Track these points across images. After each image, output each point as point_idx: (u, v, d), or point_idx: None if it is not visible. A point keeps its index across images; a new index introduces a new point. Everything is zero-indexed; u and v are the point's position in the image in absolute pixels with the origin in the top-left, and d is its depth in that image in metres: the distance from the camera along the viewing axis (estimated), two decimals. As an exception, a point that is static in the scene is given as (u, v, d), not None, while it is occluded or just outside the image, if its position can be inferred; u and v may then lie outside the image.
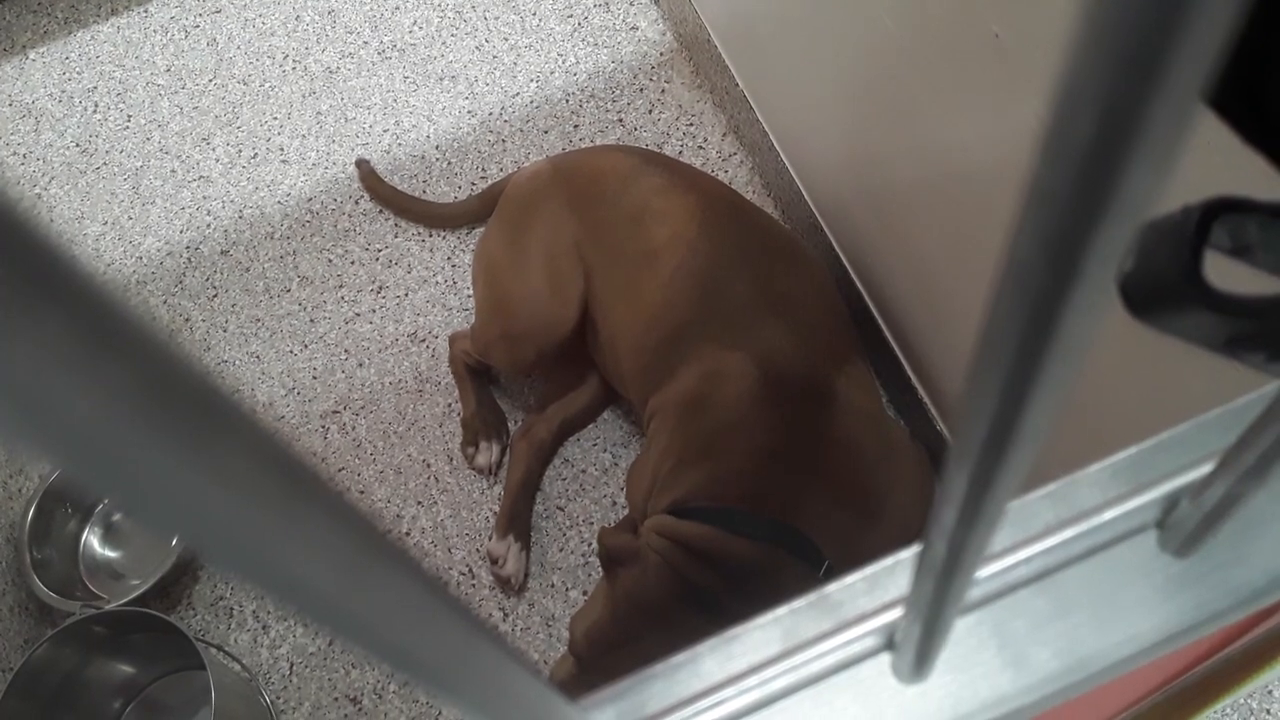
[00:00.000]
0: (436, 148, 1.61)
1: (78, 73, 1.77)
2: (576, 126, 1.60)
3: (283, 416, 1.43)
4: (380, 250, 1.54)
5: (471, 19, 1.73)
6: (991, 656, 0.31)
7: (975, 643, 0.31)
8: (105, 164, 1.67)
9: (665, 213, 1.14)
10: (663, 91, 1.61)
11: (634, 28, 1.68)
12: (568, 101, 1.62)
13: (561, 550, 1.31)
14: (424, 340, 1.46)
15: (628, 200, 1.17)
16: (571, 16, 1.70)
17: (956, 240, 1.02)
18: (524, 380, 1.41)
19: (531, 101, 1.63)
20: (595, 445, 1.37)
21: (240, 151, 1.65)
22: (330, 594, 0.14)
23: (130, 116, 1.71)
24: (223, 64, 1.75)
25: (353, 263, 1.53)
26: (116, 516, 1.39)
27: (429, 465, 1.38)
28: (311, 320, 1.50)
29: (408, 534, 1.34)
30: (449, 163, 1.60)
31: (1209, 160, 0.56)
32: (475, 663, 0.19)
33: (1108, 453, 0.34)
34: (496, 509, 1.34)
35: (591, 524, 1.32)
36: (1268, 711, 1.10)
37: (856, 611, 0.31)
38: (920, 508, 1.05)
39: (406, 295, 1.50)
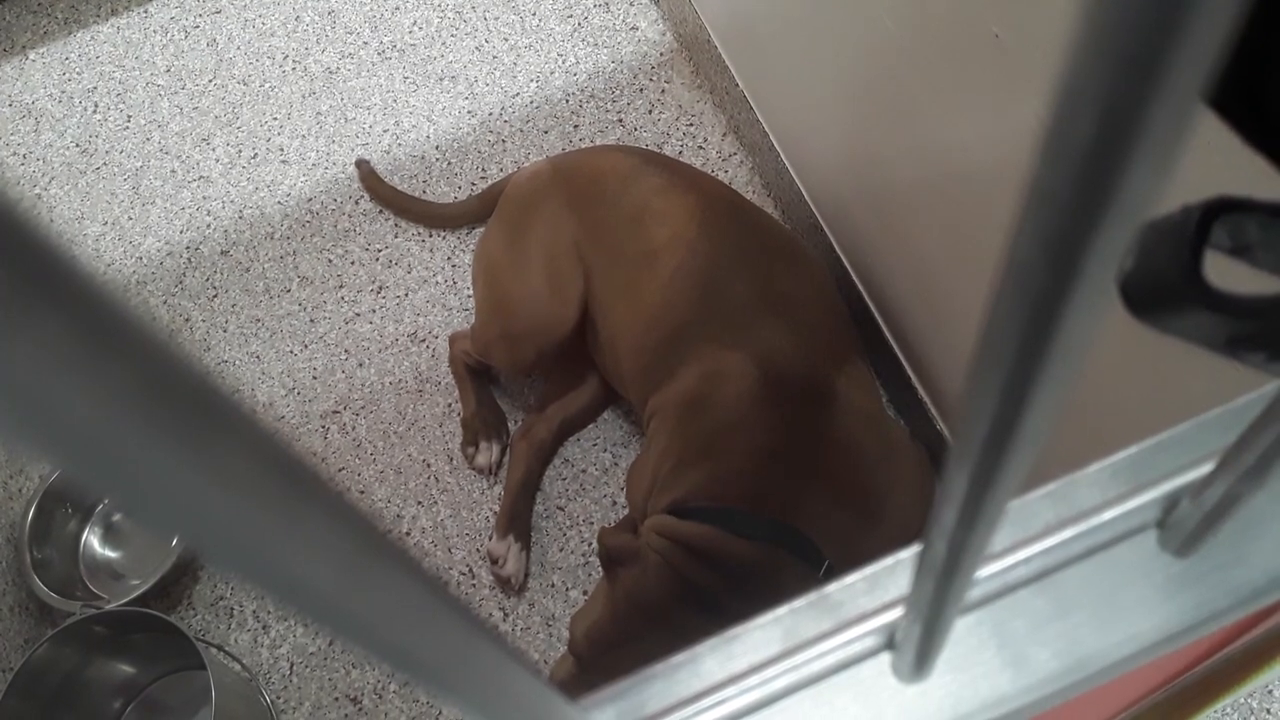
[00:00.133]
0: (436, 148, 1.61)
1: (78, 73, 1.77)
2: (576, 127, 1.60)
3: (283, 416, 1.43)
4: (380, 250, 1.54)
5: (471, 19, 1.73)
6: (991, 656, 0.31)
7: (975, 642, 0.31)
8: (105, 164, 1.67)
9: (665, 213, 1.14)
10: (663, 92, 1.61)
11: (634, 28, 1.68)
12: (568, 102, 1.62)
13: (561, 550, 1.31)
14: (424, 340, 1.46)
15: (628, 200, 1.17)
16: (571, 17, 1.70)
17: (956, 240, 1.02)
18: (524, 380, 1.41)
19: (531, 102, 1.63)
20: (595, 445, 1.37)
21: (240, 152, 1.65)
22: (330, 594, 0.14)
23: (130, 117, 1.71)
24: (223, 64, 1.75)
25: (353, 263, 1.53)
26: (117, 516, 1.39)
27: (429, 465, 1.38)
28: (311, 320, 1.50)
29: (408, 534, 1.34)
30: (449, 163, 1.60)
31: (1209, 160, 0.56)
32: (475, 663, 0.19)
33: (1108, 452, 0.34)
34: (496, 509, 1.34)
35: (591, 524, 1.32)
36: (1268, 711, 1.10)
37: (857, 611, 0.31)
38: (920, 508, 1.05)
39: (406, 295, 1.50)
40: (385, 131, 1.63)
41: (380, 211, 1.57)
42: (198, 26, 1.79)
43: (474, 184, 1.57)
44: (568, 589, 1.29)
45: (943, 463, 0.20)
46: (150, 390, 0.10)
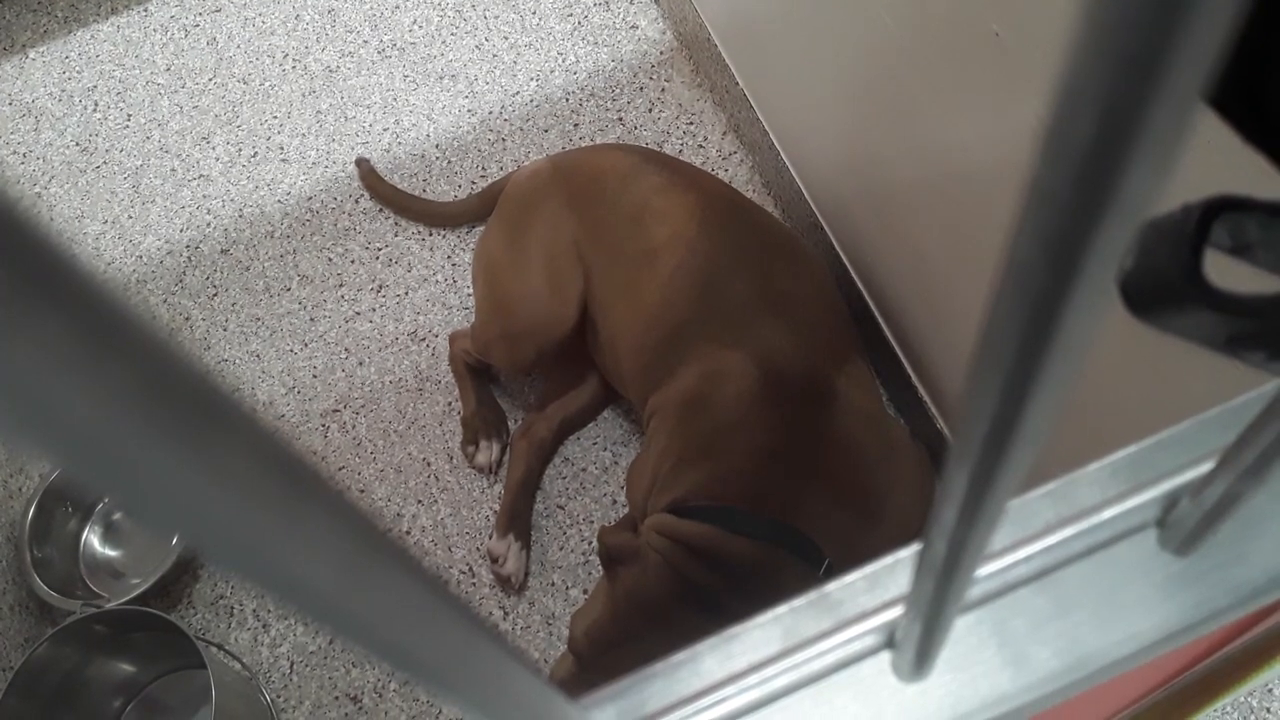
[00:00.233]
0: (436, 146, 1.61)
1: (78, 72, 1.77)
2: (576, 125, 1.60)
3: (283, 415, 1.43)
4: (380, 249, 1.54)
5: (471, 18, 1.73)
6: (991, 655, 0.31)
7: (975, 641, 0.31)
8: (105, 163, 1.67)
9: (665, 212, 1.14)
10: (663, 90, 1.61)
11: (634, 26, 1.68)
12: (568, 100, 1.62)
13: (562, 549, 1.31)
14: (424, 339, 1.46)
15: (627, 199, 1.17)
16: (571, 15, 1.70)
17: (957, 240, 1.02)
18: (524, 379, 1.41)
19: (531, 100, 1.63)
20: (595, 444, 1.37)
21: (240, 150, 1.65)
22: (330, 593, 0.14)
23: (130, 115, 1.71)
24: (223, 63, 1.75)
25: (353, 261, 1.53)
26: (117, 515, 1.39)
27: (429, 464, 1.38)
28: (311, 319, 1.50)
29: (408, 533, 1.34)
30: (449, 161, 1.60)
31: (1209, 160, 0.56)
32: (475, 661, 0.19)
33: (1108, 451, 0.34)
34: (497, 508, 1.34)
35: (592, 523, 1.32)
36: (1268, 710, 1.10)
37: (857, 610, 0.31)
38: (920, 507, 1.05)
39: (406, 294, 1.50)
40: (385, 130, 1.63)
41: (380, 210, 1.57)
42: (198, 25, 1.79)
43: (474, 183, 1.57)
44: (568, 588, 1.29)
45: (943, 462, 0.20)
46: (150, 389, 0.10)
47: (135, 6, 1.82)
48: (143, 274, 1.57)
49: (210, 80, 1.73)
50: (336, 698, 1.26)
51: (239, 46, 1.76)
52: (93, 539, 1.38)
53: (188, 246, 1.58)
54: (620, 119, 1.59)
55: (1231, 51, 0.13)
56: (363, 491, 1.37)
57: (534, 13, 1.72)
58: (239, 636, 1.31)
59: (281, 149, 1.65)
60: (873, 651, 0.31)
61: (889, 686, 0.31)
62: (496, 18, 1.72)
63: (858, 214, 1.24)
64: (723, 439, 1.02)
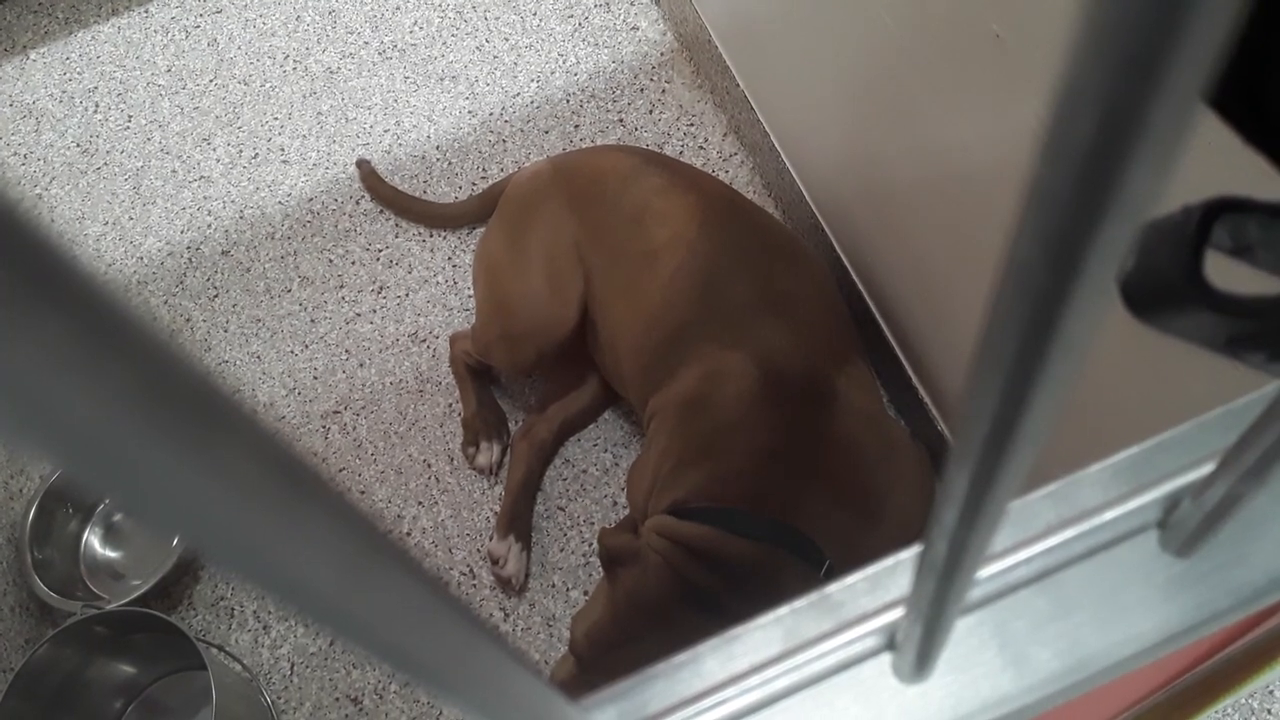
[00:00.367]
0: (437, 148, 1.61)
1: (78, 73, 1.78)
2: (577, 126, 1.60)
3: (284, 417, 1.43)
4: (381, 250, 1.54)
5: (472, 19, 1.73)
6: (992, 656, 0.31)
7: (976, 643, 0.31)
8: (106, 164, 1.67)
9: (665, 213, 1.14)
10: (663, 91, 1.61)
11: (634, 28, 1.68)
12: (568, 102, 1.62)
13: (562, 550, 1.31)
14: (425, 340, 1.46)
15: (628, 200, 1.17)
16: (572, 16, 1.70)
17: (957, 240, 1.02)
18: (524, 380, 1.41)
19: (532, 102, 1.63)
20: (596, 445, 1.37)
21: (241, 152, 1.66)
22: (331, 594, 0.14)
23: (131, 117, 1.71)
24: (223, 64, 1.75)
25: (353, 263, 1.53)
26: (117, 517, 1.39)
27: (430, 465, 1.38)
28: (312, 320, 1.50)
29: (408, 534, 1.34)
30: (449, 163, 1.60)
31: (1209, 160, 0.56)
32: (476, 663, 0.19)
33: (1108, 453, 0.34)
34: (497, 509, 1.34)
35: (592, 524, 1.32)
36: (1269, 711, 1.10)
37: (858, 611, 0.31)
38: (921, 508, 1.05)
39: (407, 295, 1.50)
40: (386, 131, 1.64)
41: (381, 211, 1.57)
42: (198, 26, 1.80)
43: (474, 184, 1.57)
44: (568, 589, 1.29)
45: (943, 463, 0.20)
46: (151, 390, 0.10)
47: (136, 8, 1.83)
48: (143, 275, 1.57)
49: (211, 81, 1.73)
50: (337, 699, 1.26)
51: (240, 48, 1.76)
52: (93, 540, 1.38)
53: (188, 248, 1.58)
54: (621, 120, 1.59)
55: (1231, 51, 0.13)
56: (363, 493, 1.37)
57: (535, 14, 1.72)
58: (239, 638, 1.31)
59: (282, 150, 1.65)
60: (874, 653, 0.31)
61: (890, 688, 0.31)
62: (497, 19, 1.72)
63: (858, 214, 1.24)
64: (723, 440, 1.02)
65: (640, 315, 1.12)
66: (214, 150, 1.66)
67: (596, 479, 1.35)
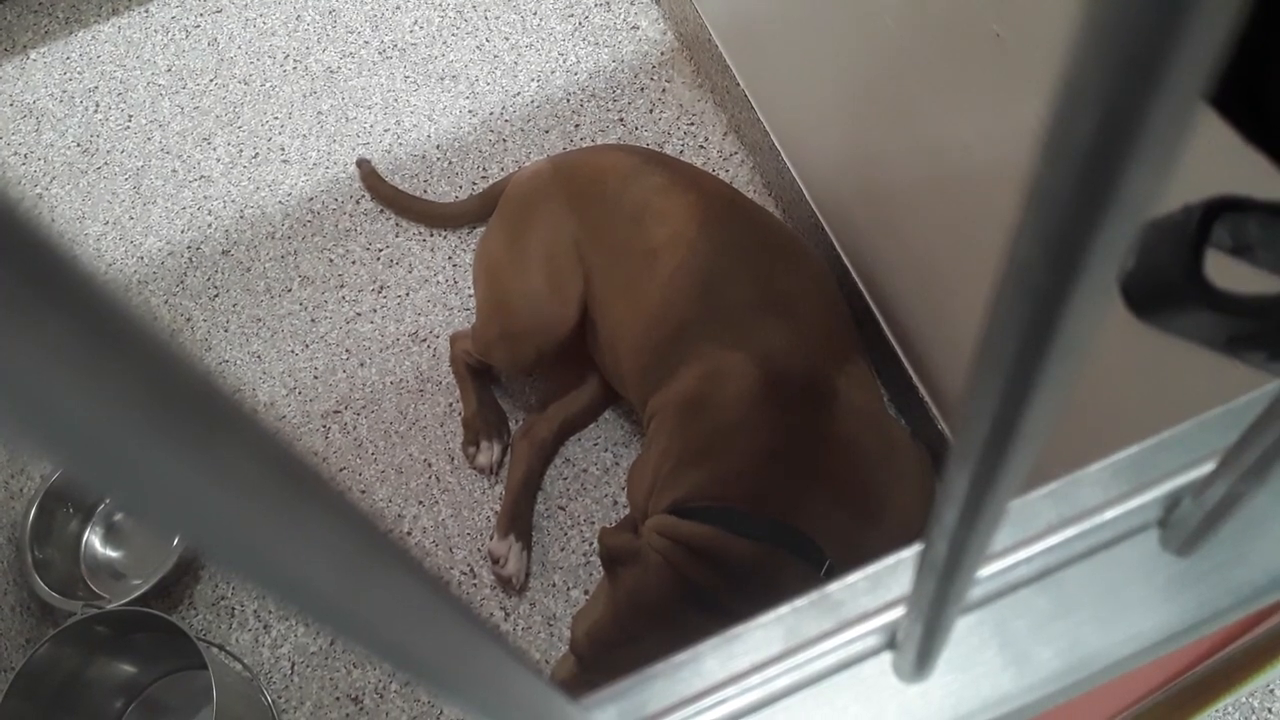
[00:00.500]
0: (437, 147, 1.61)
1: (79, 72, 1.78)
2: (577, 126, 1.60)
3: (284, 416, 1.43)
4: (381, 250, 1.54)
5: (472, 18, 1.73)
6: (993, 656, 0.31)
7: (977, 642, 0.31)
8: (106, 164, 1.67)
9: (665, 212, 1.14)
10: (663, 91, 1.61)
11: (635, 27, 1.68)
12: (568, 101, 1.62)
13: (563, 550, 1.31)
14: (425, 340, 1.46)
15: (628, 199, 1.17)
16: (572, 16, 1.70)
17: (957, 240, 1.02)
18: (525, 380, 1.41)
19: (532, 101, 1.63)
20: (596, 445, 1.37)
21: (241, 151, 1.66)
22: (332, 594, 0.14)
23: (131, 116, 1.71)
24: (224, 64, 1.75)
25: (354, 262, 1.53)
26: (118, 516, 1.39)
27: (430, 465, 1.38)
28: (313, 320, 1.50)
29: (409, 534, 1.34)
30: (450, 162, 1.60)
31: (1209, 160, 0.56)
32: (477, 662, 0.19)
33: (1109, 452, 0.34)
34: (498, 508, 1.34)
35: (593, 523, 1.32)
36: (1269, 710, 1.10)
37: (858, 611, 0.31)
38: (921, 507, 1.05)
39: (408, 295, 1.50)
40: (386, 131, 1.64)
41: (381, 211, 1.57)
42: (199, 26, 1.79)
43: (475, 183, 1.57)
44: (569, 588, 1.29)
45: (944, 462, 0.20)
46: (152, 390, 0.10)
47: (136, 7, 1.83)
48: (144, 275, 1.57)
49: (211, 81, 1.73)
50: (338, 698, 1.26)
51: (240, 47, 1.76)
52: (94, 540, 1.38)
53: (189, 247, 1.58)
54: (621, 120, 1.59)
55: (1231, 51, 0.13)
56: (364, 492, 1.37)
57: (535, 13, 1.72)
58: (240, 637, 1.31)
59: (282, 150, 1.65)
60: (874, 652, 0.31)
61: (890, 687, 0.31)
62: (497, 18, 1.72)
63: (858, 213, 1.24)
64: (723, 439, 1.02)
65: (640, 314, 1.12)
66: (214, 150, 1.66)
67: (597, 478, 1.35)
